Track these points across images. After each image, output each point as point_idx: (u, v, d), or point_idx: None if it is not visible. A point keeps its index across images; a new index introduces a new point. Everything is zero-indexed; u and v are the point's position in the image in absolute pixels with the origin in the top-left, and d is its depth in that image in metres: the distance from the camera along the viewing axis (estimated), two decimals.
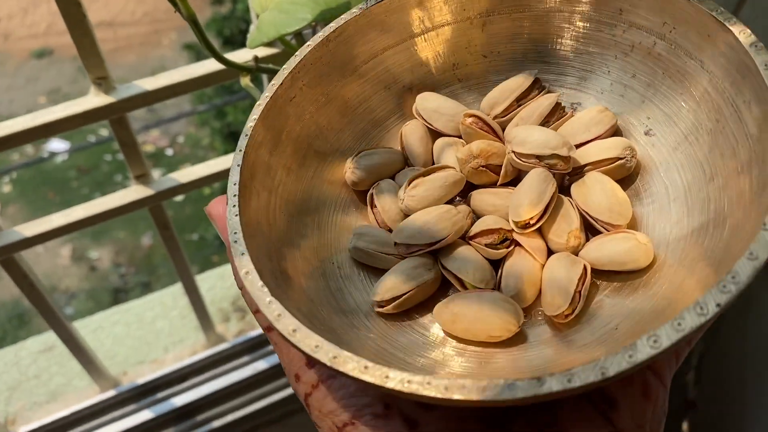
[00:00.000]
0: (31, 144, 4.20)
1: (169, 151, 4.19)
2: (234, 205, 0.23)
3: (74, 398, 0.66)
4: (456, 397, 0.17)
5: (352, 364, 0.18)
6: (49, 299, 0.55)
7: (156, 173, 0.51)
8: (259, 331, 0.71)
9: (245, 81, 0.40)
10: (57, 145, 4.14)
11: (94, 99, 0.45)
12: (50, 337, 0.75)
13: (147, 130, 4.27)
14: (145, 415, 0.64)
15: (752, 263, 0.18)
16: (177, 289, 0.80)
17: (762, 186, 0.20)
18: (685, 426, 0.91)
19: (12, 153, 4.24)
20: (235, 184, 0.23)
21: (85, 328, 0.77)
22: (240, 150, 0.24)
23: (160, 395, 0.66)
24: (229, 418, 0.69)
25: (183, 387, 0.67)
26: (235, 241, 0.22)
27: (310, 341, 0.19)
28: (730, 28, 0.23)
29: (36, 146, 4.26)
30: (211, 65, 0.47)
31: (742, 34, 0.23)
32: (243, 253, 0.22)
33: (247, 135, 0.25)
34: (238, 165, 0.24)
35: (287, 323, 0.20)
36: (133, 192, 0.52)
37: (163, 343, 0.75)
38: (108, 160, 4.18)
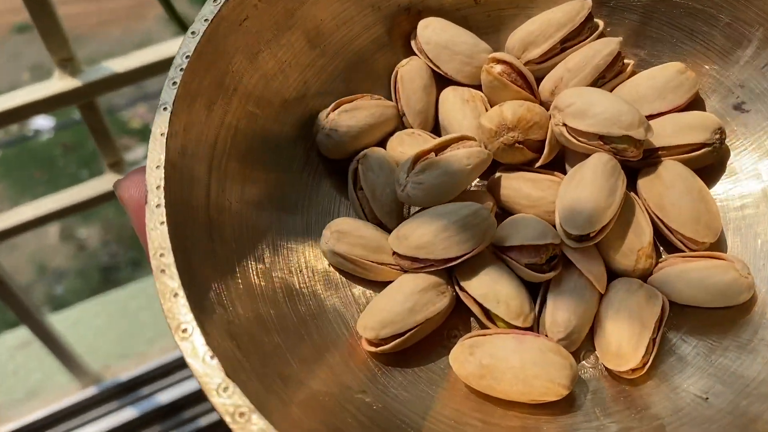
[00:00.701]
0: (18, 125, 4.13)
1: None
2: (158, 205, 0.16)
3: (54, 396, 0.63)
4: None
5: None
6: (23, 296, 0.52)
7: (134, 155, 0.47)
8: None
9: None
10: (41, 122, 4.07)
11: (59, 83, 0.41)
12: (27, 331, 0.72)
13: (134, 104, 4.19)
14: (130, 412, 0.62)
15: None
16: None
17: None
18: None
19: None
20: (158, 167, 0.16)
21: (65, 320, 0.74)
22: (165, 107, 0.17)
23: (144, 391, 0.63)
24: (217, 415, 0.66)
25: (169, 382, 0.64)
26: (163, 270, 0.15)
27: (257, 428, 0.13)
28: None
29: (20, 124, 4.18)
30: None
31: None
32: (176, 294, 0.15)
33: (175, 83, 0.17)
34: (163, 134, 0.17)
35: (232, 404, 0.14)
36: (106, 182, 0.48)
37: (147, 335, 0.72)
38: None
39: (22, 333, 0.72)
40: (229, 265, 0.17)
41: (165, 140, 0.16)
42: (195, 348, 0.14)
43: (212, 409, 0.66)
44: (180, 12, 0.38)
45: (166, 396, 0.64)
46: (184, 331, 0.14)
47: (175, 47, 0.42)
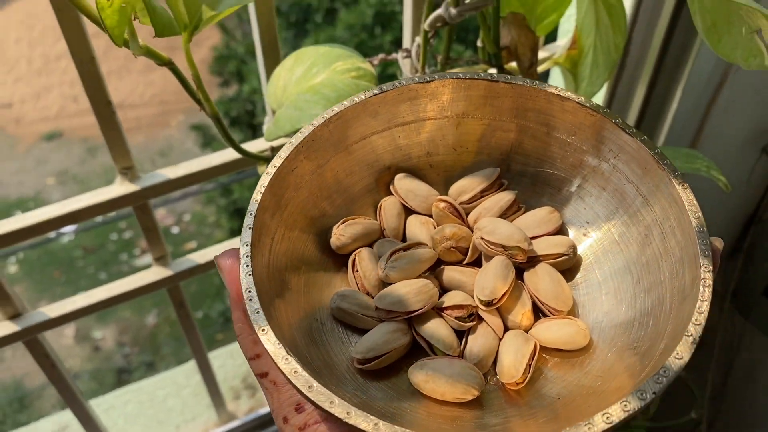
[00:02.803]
0: None
1: (175, 230, 4.25)
2: (247, 265, 0.26)
3: None
4: None
5: (364, 421, 0.22)
6: (69, 379, 0.57)
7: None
8: (267, 408, 0.72)
9: (262, 169, 0.43)
10: None
11: (120, 188, 0.49)
12: (63, 417, 0.76)
13: (154, 208, 4.33)
14: None
15: (679, 362, 0.23)
16: (189, 368, 0.82)
17: (681, 298, 0.26)
18: None
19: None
20: (247, 245, 0.27)
21: (97, 407, 0.79)
22: (251, 213, 0.28)
23: None
24: None
25: None
26: (250, 299, 0.25)
27: (324, 396, 0.23)
28: (664, 166, 0.28)
29: None
30: (228, 155, 0.50)
31: (673, 173, 0.28)
32: (258, 311, 0.25)
33: (257, 200, 0.28)
34: (250, 227, 0.27)
35: (307, 381, 0.23)
36: (153, 273, 0.54)
37: (175, 421, 0.77)
38: (114, 239, 4.24)
39: (57, 419, 0.77)
40: (279, 298, 0.28)
41: (250, 235, 0.27)
42: (269, 338, 0.24)
43: None
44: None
45: None
46: (263, 330, 0.25)
47: (214, 159, 0.50)
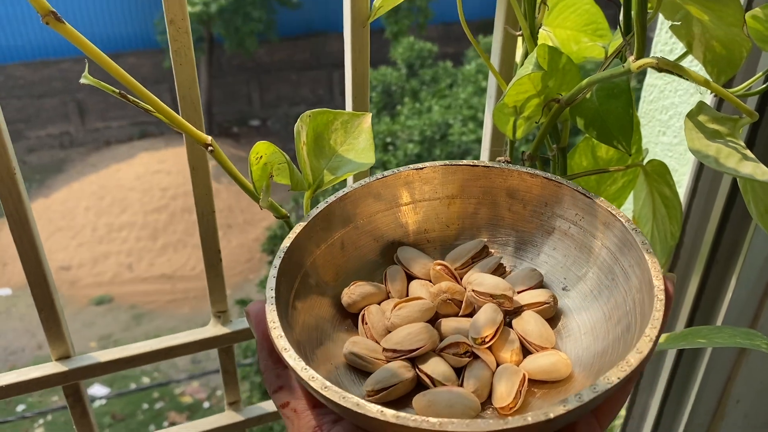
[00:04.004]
0: None
1: (206, 404, 4.19)
2: (272, 303, 0.31)
3: None
4: (450, 429, 0.25)
5: (373, 407, 0.26)
6: None
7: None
8: None
9: None
10: (98, 389, 4.20)
11: (213, 329, 0.53)
12: None
13: (189, 380, 4.33)
14: None
15: (639, 355, 0.27)
16: None
17: (643, 319, 0.30)
18: None
19: (51, 394, 4.29)
20: (272, 290, 0.32)
21: None
22: (275, 267, 0.33)
23: None
24: None
25: None
26: (274, 327, 0.30)
27: (338, 393, 0.27)
28: (619, 218, 0.34)
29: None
30: None
31: (627, 222, 0.34)
32: (281, 336, 0.29)
33: (280, 257, 0.34)
34: (274, 276, 0.33)
35: (323, 383, 0.27)
36: (226, 417, 0.57)
37: None
38: (144, 409, 4.19)
39: None
40: (298, 344, 0.32)
41: (275, 282, 0.32)
42: (290, 354, 0.29)
43: None
44: None
45: None
46: (285, 349, 0.29)
47: None
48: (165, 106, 0.35)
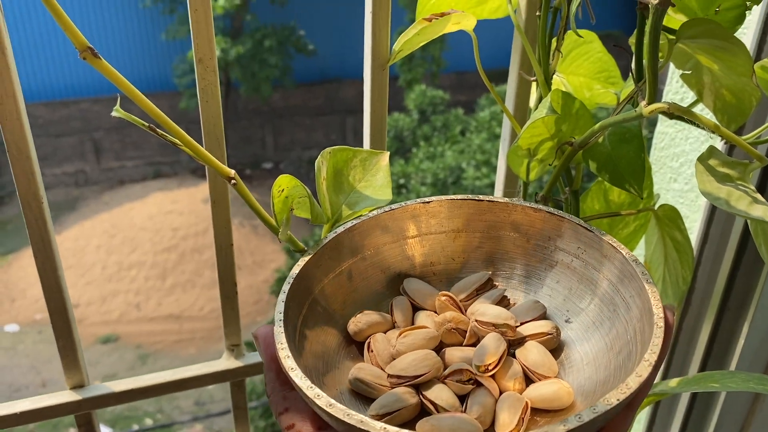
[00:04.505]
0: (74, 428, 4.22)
1: None
2: (280, 327, 0.32)
3: None
4: None
5: (376, 424, 0.27)
6: None
7: None
8: None
9: None
10: (102, 430, 4.16)
11: (226, 362, 0.54)
12: None
13: (192, 422, 4.28)
14: None
15: (638, 378, 0.29)
16: None
17: (643, 346, 0.31)
18: None
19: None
20: (280, 312, 0.33)
21: None
22: (284, 292, 0.34)
23: None
24: None
25: None
26: (282, 348, 0.31)
27: (342, 411, 0.28)
28: (620, 250, 0.35)
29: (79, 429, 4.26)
30: None
31: (627, 254, 0.35)
32: (288, 356, 0.30)
33: (289, 282, 0.35)
34: (283, 301, 0.34)
35: (328, 401, 0.28)
36: None
37: None
38: None
39: None
40: (304, 368, 0.32)
41: (284, 306, 0.34)
42: (297, 374, 0.30)
43: None
44: None
45: None
46: (292, 369, 0.30)
47: None
48: (192, 140, 0.36)
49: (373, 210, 0.40)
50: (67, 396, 0.51)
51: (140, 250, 5.68)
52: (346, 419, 0.27)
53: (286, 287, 0.35)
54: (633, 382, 0.28)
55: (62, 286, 0.48)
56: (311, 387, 0.29)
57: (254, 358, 0.55)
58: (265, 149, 7.29)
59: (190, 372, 0.54)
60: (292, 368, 0.30)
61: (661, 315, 0.31)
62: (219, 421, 4.23)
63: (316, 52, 6.81)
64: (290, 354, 0.31)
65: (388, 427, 0.26)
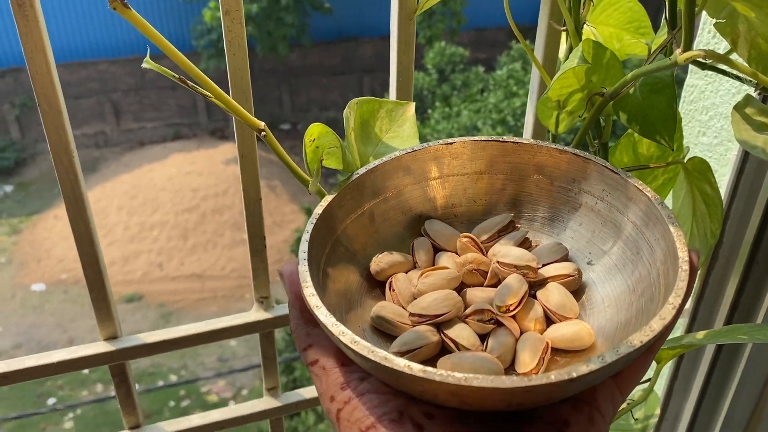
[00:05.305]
0: (102, 384, 4.33)
1: (232, 404, 4.21)
2: (304, 261, 0.32)
3: None
4: (475, 384, 0.25)
5: (401, 361, 0.26)
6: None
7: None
8: None
9: None
10: None
11: (256, 314, 0.55)
12: None
13: (216, 378, 4.37)
14: None
15: (662, 321, 0.28)
16: None
17: (666, 290, 0.31)
18: None
19: (81, 388, 4.37)
20: (304, 252, 0.33)
21: None
22: (307, 231, 0.34)
23: None
24: None
25: None
26: (306, 285, 0.31)
27: (366, 348, 0.27)
28: (645, 193, 0.34)
29: (106, 385, 4.39)
30: None
31: (653, 196, 0.34)
32: (313, 294, 0.30)
33: (313, 222, 0.35)
34: (307, 241, 0.34)
35: (353, 338, 0.28)
36: (264, 403, 0.58)
37: None
38: (171, 406, 4.24)
39: None
40: (327, 304, 0.32)
41: (308, 245, 0.33)
42: (322, 312, 0.30)
43: None
44: None
45: None
46: (317, 306, 0.30)
47: None
48: (222, 92, 0.36)
49: (396, 152, 0.40)
50: (101, 347, 0.52)
51: (161, 211, 5.74)
52: (370, 356, 0.27)
53: (309, 227, 0.35)
54: (657, 325, 0.28)
55: (94, 239, 0.49)
56: (336, 324, 0.29)
57: (282, 310, 0.56)
58: (282, 109, 7.26)
59: (222, 323, 0.55)
60: (317, 306, 0.30)
61: (686, 258, 0.31)
62: (241, 377, 4.33)
63: (332, 11, 6.73)
64: (315, 292, 0.31)
65: (412, 363, 0.26)
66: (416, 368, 0.26)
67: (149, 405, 4.23)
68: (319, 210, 0.36)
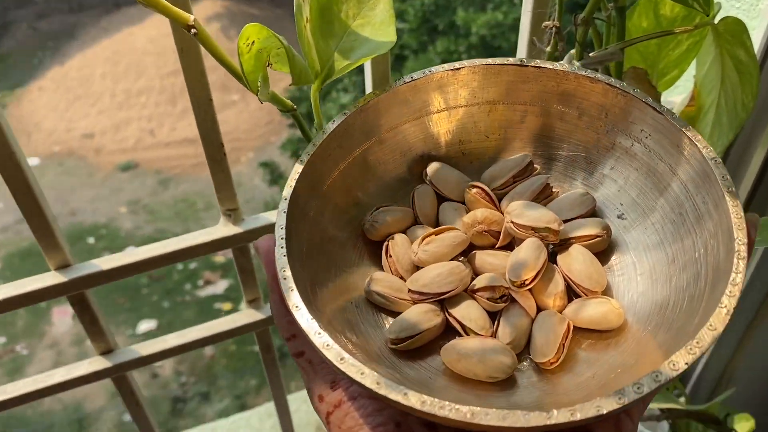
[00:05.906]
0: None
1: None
2: (282, 247, 0.26)
3: None
4: (478, 422, 0.21)
5: (393, 390, 0.22)
6: (152, 419, 0.56)
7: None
8: None
9: None
10: None
11: (224, 229, 0.48)
12: None
13: None
14: None
15: (712, 333, 0.22)
16: (263, 411, 0.80)
17: (715, 272, 0.25)
18: None
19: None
20: (282, 228, 0.27)
21: None
22: (285, 199, 0.28)
23: None
24: None
25: None
26: (285, 278, 0.26)
27: (355, 368, 0.23)
28: (696, 142, 0.28)
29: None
30: None
31: (706, 149, 0.28)
32: (292, 289, 0.25)
33: (291, 186, 0.29)
34: (284, 212, 0.28)
35: (336, 353, 0.23)
36: (245, 316, 0.53)
37: None
38: (179, 269, 4.32)
39: None
40: (314, 281, 0.28)
41: (285, 219, 0.27)
42: (302, 314, 0.25)
43: None
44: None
45: None
46: (297, 307, 0.25)
47: None
48: None
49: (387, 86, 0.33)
50: (52, 278, 0.46)
51: (146, 76, 5.52)
52: (360, 379, 0.23)
53: (287, 192, 0.29)
54: (707, 337, 0.22)
55: (21, 163, 0.41)
56: (319, 333, 0.24)
57: (254, 222, 0.50)
58: None
59: (186, 242, 0.48)
60: (296, 306, 0.25)
61: (744, 240, 0.24)
62: None
63: None
64: (294, 286, 0.25)
65: (409, 393, 0.22)
66: (414, 399, 0.22)
67: (157, 270, 4.31)
68: (298, 168, 0.30)
